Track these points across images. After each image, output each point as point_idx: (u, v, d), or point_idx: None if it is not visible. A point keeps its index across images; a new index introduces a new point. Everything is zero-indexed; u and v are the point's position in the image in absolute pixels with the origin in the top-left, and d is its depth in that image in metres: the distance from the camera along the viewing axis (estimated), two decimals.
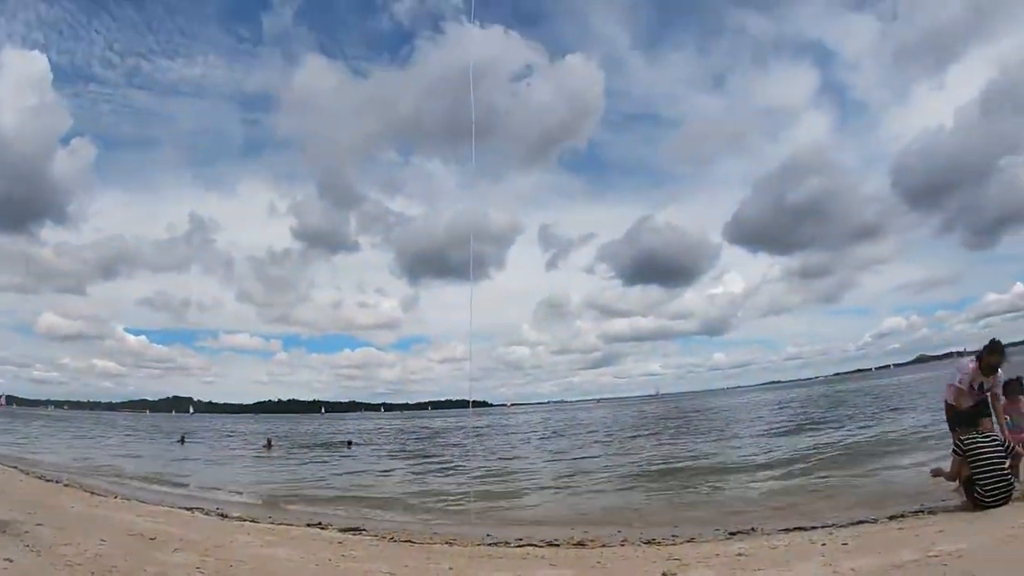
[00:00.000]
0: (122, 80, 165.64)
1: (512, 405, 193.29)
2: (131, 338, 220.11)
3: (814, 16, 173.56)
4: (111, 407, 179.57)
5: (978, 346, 7.40)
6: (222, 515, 8.90)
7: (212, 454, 25.37)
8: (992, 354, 6.99)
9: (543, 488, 12.75)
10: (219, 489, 13.54)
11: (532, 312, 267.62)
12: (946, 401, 7.54)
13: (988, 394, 7.23)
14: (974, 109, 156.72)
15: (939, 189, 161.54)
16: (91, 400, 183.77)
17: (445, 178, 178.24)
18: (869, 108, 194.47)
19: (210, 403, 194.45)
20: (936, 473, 6.99)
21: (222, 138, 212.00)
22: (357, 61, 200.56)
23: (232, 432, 46.29)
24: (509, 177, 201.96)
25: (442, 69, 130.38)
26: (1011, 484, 6.19)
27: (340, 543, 6.84)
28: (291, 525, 8.19)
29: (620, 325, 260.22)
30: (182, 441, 31.41)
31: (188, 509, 9.26)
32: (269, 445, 27.81)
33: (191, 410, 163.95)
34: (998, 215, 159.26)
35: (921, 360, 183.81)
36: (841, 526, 6.52)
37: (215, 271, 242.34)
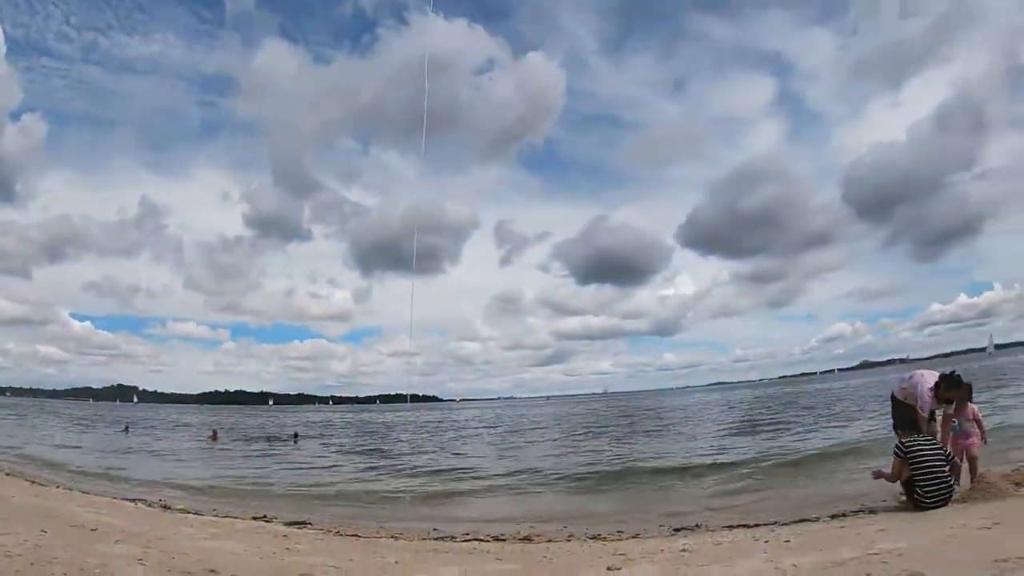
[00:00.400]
0: (78, 55, 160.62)
1: (462, 400, 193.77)
2: (76, 324, 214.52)
3: (775, 27, 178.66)
4: (54, 394, 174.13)
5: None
6: (165, 507, 8.75)
7: (156, 445, 24.71)
8: (950, 389, 7.01)
9: (491, 485, 12.73)
10: (163, 481, 13.18)
11: (485, 307, 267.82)
12: (893, 395, 7.76)
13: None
14: (927, 126, 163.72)
15: (889, 202, 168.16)
16: (33, 387, 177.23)
17: (403, 168, 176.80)
18: (824, 120, 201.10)
19: (155, 392, 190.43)
20: (877, 475, 7.18)
21: (177, 120, 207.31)
22: (319, 47, 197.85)
23: (177, 423, 45.23)
24: (468, 171, 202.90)
25: (404, 59, 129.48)
26: (951, 487, 6.39)
27: (285, 536, 6.75)
28: (235, 518, 8.07)
29: (572, 323, 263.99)
30: (126, 431, 30.65)
31: (131, 500, 9.08)
32: (214, 436, 27.21)
33: (135, 399, 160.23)
34: (945, 229, 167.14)
35: (865, 365, 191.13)
36: (784, 524, 6.68)
37: (165, 257, 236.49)
